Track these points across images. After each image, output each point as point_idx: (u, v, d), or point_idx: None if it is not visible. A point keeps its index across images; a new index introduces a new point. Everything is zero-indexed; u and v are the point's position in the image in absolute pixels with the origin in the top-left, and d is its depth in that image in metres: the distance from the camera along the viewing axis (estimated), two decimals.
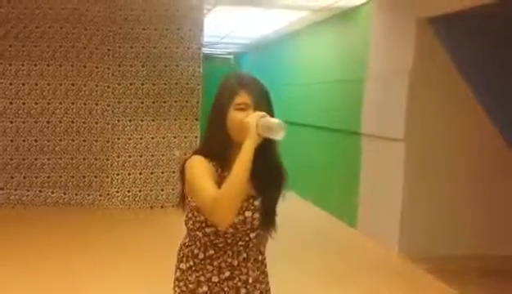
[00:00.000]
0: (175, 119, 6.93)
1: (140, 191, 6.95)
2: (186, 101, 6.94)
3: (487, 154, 5.34)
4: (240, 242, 1.76)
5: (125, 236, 5.70)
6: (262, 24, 8.40)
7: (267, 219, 1.79)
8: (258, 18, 7.84)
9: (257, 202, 1.76)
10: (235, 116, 1.72)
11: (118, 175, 6.90)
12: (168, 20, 6.83)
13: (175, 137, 6.97)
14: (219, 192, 1.60)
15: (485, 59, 5.18)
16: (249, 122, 1.64)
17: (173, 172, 6.91)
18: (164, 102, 6.92)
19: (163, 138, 6.95)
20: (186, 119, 6.98)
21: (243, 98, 1.73)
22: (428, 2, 5.05)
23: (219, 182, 1.67)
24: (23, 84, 6.69)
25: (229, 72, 1.84)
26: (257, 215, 1.75)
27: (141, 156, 6.93)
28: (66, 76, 6.75)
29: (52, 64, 6.71)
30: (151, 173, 6.95)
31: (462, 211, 5.33)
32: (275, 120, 1.65)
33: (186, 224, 1.81)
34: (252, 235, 1.77)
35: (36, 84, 6.71)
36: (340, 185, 6.76)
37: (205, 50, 7.88)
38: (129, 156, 6.91)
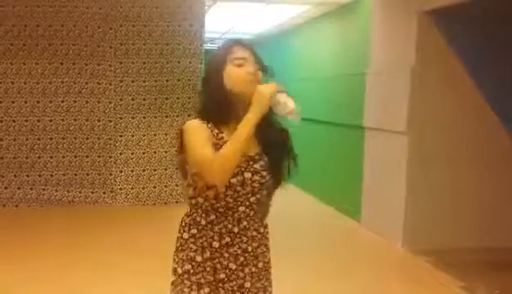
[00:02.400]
0: (177, 116, 6.93)
1: (143, 188, 6.96)
2: (188, 98, 6.94)
3: (490, 147, 5.32)
4: (240, 208, 1.76)
5: (129, 233, 5.71)
6: (263, 19, 8.39)
7: (275, 179, 1.81)
8: (259, 13, 7.82)
9: (256, 165, 1.76)
10: (235, 71, 1.72)
11: (121, 172, 6.91)
12: (169, 16, 6.82)
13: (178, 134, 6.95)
14: (220, 150, 1.62)
15: (487, 50, 5.16)
16: (263, 93, 1.64)
17: (176, 169, 6.91)
18: (166, 99, 6.92)
19: (166, 134, 6.95)
20: (189, 115, 6.92)
21: (240, 52, 1.74)
22: None
23: (216, 143, 1.69)
24: (25, 83, 6.69)
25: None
26: (257, 177, 1.76)
27: (143, 153, 6.94)
28: (68, 74, 6.74)
29: (54, 62, 6.71)
30: (154, 170, 6.96)
31: (466, 204, 5.33)
32: (292, 103, 1.63)
33: (187, 193, 1.82)
34: (252, 199, 1.77)
35: (38, 83, 6.71)
36: (343, 179, 6.76)
37: (207, 46, 7.86)
38: (132, 153, 6.92)
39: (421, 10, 5.08)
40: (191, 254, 1.78)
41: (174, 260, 1.84)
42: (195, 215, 1.79)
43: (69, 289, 4.13)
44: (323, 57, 7.70)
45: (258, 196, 1.79)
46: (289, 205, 6.75)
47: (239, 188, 1.73)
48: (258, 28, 9.40)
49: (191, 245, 1.78)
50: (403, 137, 5.28)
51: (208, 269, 1.76)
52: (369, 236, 5.80)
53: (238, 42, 1.79)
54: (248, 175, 1.74)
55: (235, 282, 1.78)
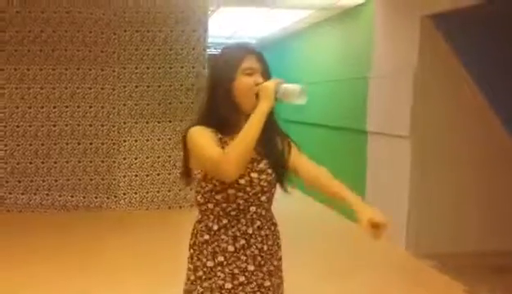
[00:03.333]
0: (181, 120, 6.94)
1: (147, 193, 6.97)
2: (192, 102, 6.95)
3: (493, 150, 5.32)
4: (251, 208, 1.76)
5: (133, 238, 5.71)
6: (266, 24, 8.41)
7: (280, 177, 1.82)
8: (262, 18, 7.84)
9: (261, 165, 1.77)
10: (245, 81, 1.72)
11: (124, 177, 6.92)
12: (172, 21, 6.85)
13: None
14: (227, 147, 1.64)
15: (489, 54, 5.16)
16: (268, 86, 1.67)
17: (180, 176, 6.92)
18: (170, 103, 6.94)
19: (169, 139, 6.97)
20: (192, 120, 6.97)
21: (250, 63, 1.74)
22: None
23: (220, 146, 1.70)
24: (28, 88, 6.72)
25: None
26: (264, 176, 1.77)
27: (147, 158, 6.96)
28: (72, 79, 6.77)
29: (58, 67, 6.74)
30: (158, 175, 6.97)
31: (469, 207, 5.32)
32: (297, 86, 1.67)
33: (195, 200, 1.82)
34: (263, 198, 1.78)
35: (42, 88, 6.74)
36: (346, 183, 6.73)
37: (210, 51, 7.89)
38: (135, 158, 6.94)
39: (423, 14, 5.09)
40: (203, 259, 1.77)
41: (189, 268, 1.82)
42: (206, 221, 1.78)
43: (74, 292, 4.14)
44: (326, 62, 7.71)
45: (268, 195, 1.80)
46: (292, 209, 6.75)
47: (248, 188, 1.74)
48: (261, 33, 9.43)
49: (204, 251, 1.77)
50: (406, 141, 5.28)
51: (220, 274, 1.74)
52: (372, 239, 5.79)
53: (250, 51, 1.77)
54: (254, 175, 1.75)
55: (255, 283, 1.77)
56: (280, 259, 1.88)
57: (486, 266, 4.91)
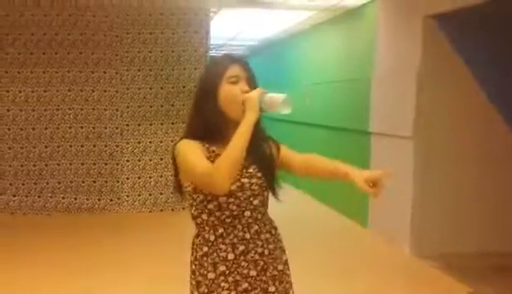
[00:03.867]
0: (183, 122, 6.93)
1: (150, 195, 6.98)
2: None
3: (496, 150, 5.30)
4: (246, 212, 1.76)
5: (136, 240, 5.72)
6: (268, 25, 8.41)
7: (270, 182, 1.81)
8: (264, 19, 7.85)
9: (250, 169, 1.77)
10: (230, 89, 1.73)
11: (128, 179, 6.93)
12: (174, 23, 6.86)
13: None
14: (218, 160, 1.62)
15: (492, 54, 5.15)
16: (252, 97, 1.66)
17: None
18: (172, 105, 6.95)
19: (172, 141, 6.96)
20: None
21: (235, 71, 1.74)
22: None
23: (209, 157, 1.70)
24: (32, 91, 6.74)
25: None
26: (254, 180, 1.77)
27: (150, 160, 6.96)
28: (75, 82, 6.79)
29: (61, 70, 6.75)
30: (161, 176, 6.98)
31: (473, 208, 5.30)
32: (281, 95, 1.66)
33: (191, 214, 1.82)
34: (256, 202, 1.78)
35: (45, 91, 6.76)
36: (350, 184, 6.73)
37: (212, 52, 7.90)
38: (139, 160, 6.95)
39: (426, 14, 5.09)
40: (204, 272, 1.76)
41: (191, 283, 1.81)
42: (203, 233, 1.78)
43: (80, 292, 4.15)
44: (329, 62, 7.71)
45: (261, 198, 1.80)
46: (296, 210, 6.75)
47: (239, 193, 1.74)
48: (264, 34, 9.43)
49: (204, 263, 1.76)
50: (409, 142, 5.27)
51: (223, 284, 1.74)
52: (376, 241, 5.79)
53: (234, 59, 1.78)
54: (245, 180, 1.75)
55: (259, 289, 1.76)
56: (285, 263, 1.87)
57: (490, 267, 4.89)
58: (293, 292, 1.88)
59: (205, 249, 1.76)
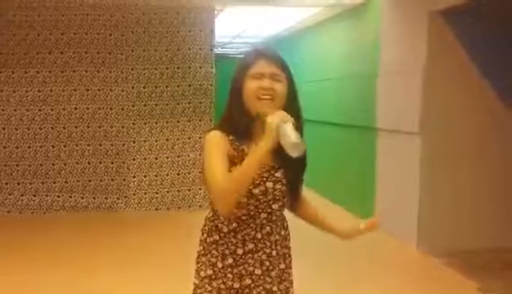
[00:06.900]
0: (189, 120, 6.96)
1: (156, 193, 6.99)
2: (200, 102, 6.97)
3: (504, 145, 5.28)
4: (262, 214, 1.76)
5: (143, 238, 5.73)
6: (273, 22, 8.40)
7: (293, 190, 1.82)
8: (269, 17, 7.83)
9: (278, 174, 1.77)
10: (250, 85, 1.72)
11: (134, 177, 6.95)
12: (179, 21, 6.86)
13: (189, 138, 7.00)
14: (225, 185, 1.61)
15: (499, 49, 5.12)
16: (270, 124, 1.59)
17: (189, 173, 6.97)
18: (178, 104, 6.95)
19: (178, 139, 6.98)
20: (200, 120, 7.00)
21: (259, 67, 1.73)
22: None
23: (235, 155, 1.70)
24: (38, 91, 6.76)
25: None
26: (278, 186, 1.76)
27: (156, 158, 6.97)
28: (81, 81, 6.81)
29: (67, 70, 6.77)
30: (167, 175, 6.99)
31: (481, 204, 5.28)
32: (294, 137, 1.57)
33: (209, 197, 1.84)
34: (274, 206, 1.77)
35: (51, 90, 6.78)
36: (356, 181, 6.73)
37: (217, 50, 7.90)
38: (145, 158, 6.96)
39: (432, 9, 5.06)
40: (213, 259, 1.79)
41: (198, 263, 1.85)
42: (217, 221, 1.79)
43: (84, 292, 4.17)
44: (334, 59, 7.69)
45: (281, 203, 1.79)
46: None
47: (261, 197, 1.74)
48: (269, 32, 9.41)
49: (213, 251, 1.79)
50: (416, 138, 5.25)
51: (229, 275, 1.76)
52: (383, 238, 5.75)
53: (259, 54, 1.77)
54: (270, 184, 1.75)
55: (261, 287, 1.78)
56: (289, 262, 1.88)
57: (498, 263, 4.87)
58: (293, 291, 1.89)
59: (216, 237, 1.79)
